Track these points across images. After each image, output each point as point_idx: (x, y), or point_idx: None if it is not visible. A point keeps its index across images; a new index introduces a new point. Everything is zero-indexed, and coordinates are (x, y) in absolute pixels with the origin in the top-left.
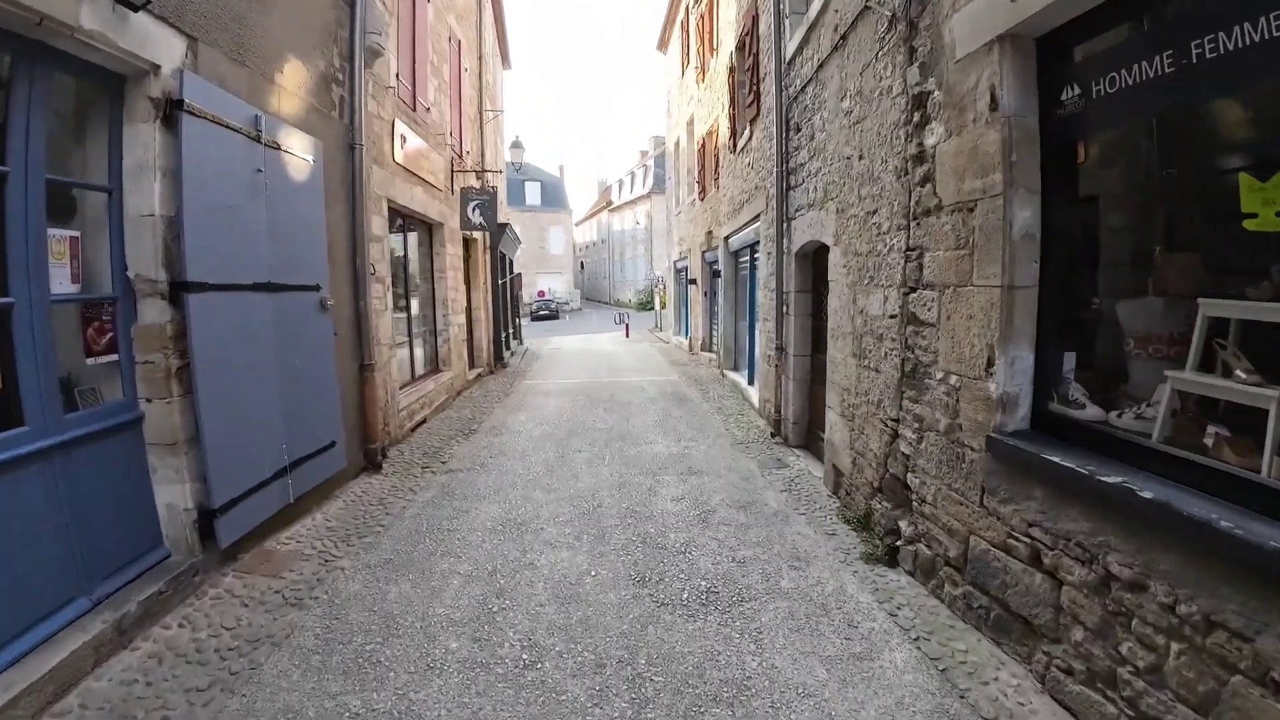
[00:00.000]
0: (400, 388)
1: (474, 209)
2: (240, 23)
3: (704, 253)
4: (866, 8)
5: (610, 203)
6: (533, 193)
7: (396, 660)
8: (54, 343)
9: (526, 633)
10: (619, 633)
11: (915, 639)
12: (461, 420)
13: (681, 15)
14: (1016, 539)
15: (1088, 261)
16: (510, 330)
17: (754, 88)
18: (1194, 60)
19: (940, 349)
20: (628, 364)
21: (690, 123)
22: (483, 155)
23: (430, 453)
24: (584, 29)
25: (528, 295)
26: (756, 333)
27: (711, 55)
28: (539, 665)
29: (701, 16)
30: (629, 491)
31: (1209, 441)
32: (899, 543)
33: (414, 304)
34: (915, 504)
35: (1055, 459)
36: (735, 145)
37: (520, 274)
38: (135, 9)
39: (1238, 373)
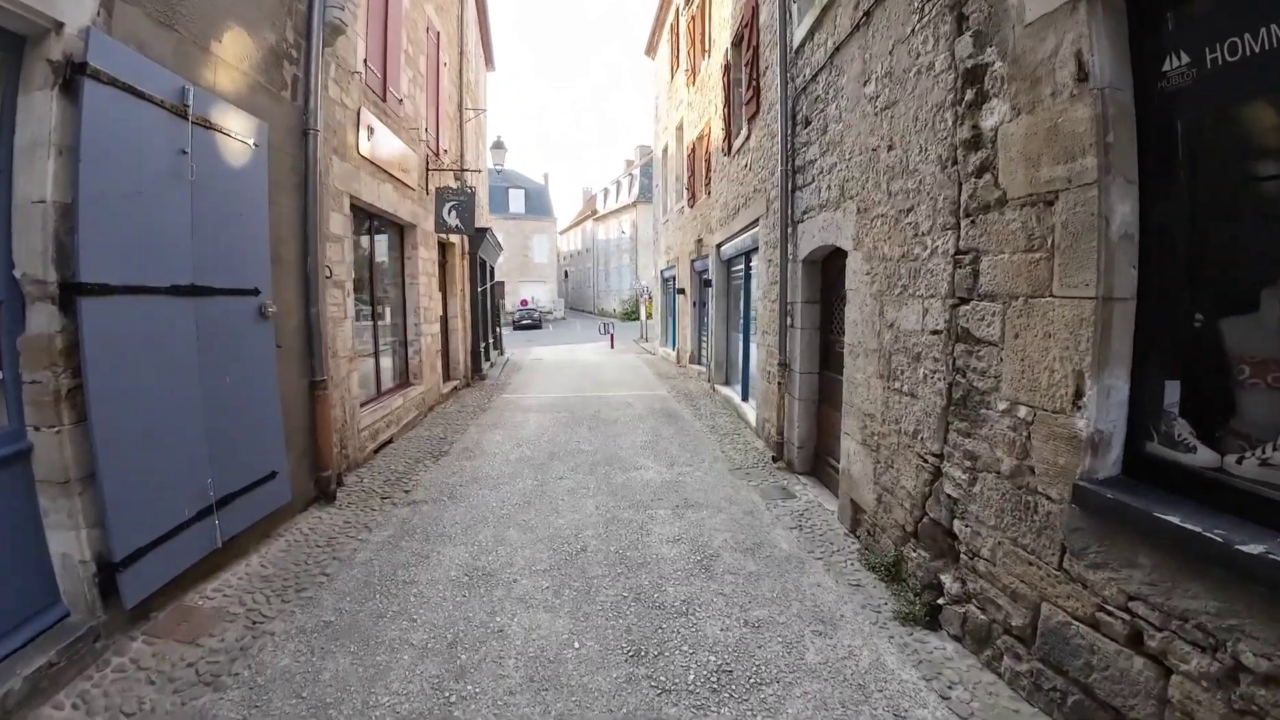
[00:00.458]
0: (362, 405)
1: (450, 210)
2: None
3: (693, 261)
4: None
5: (595, 211)
6: (517, 200)
7: None
8: None
9: None
10: None
11: None
12: (432, 440)
13: (671, 18)
14: (1110, 613)
15: (1191, 268)
16: (490, 340)
17: (753, 84)
18: None
19: (1005, 373)
20: (613, 376)
21: (679, 128)
22: (462, 156)
23: (393, 479)
24: (570, 35)
25: (511, 304)
26: (752, 346)
27: (703, 57)
28: None
29: (693, 18)
30: (617, 530)
31: None
32: (942, 601)
33: (381, 312)
34: (964, 557)
35: (1174, 519)
36: (730, 147)
37: (503, 282)
38: None
39: None
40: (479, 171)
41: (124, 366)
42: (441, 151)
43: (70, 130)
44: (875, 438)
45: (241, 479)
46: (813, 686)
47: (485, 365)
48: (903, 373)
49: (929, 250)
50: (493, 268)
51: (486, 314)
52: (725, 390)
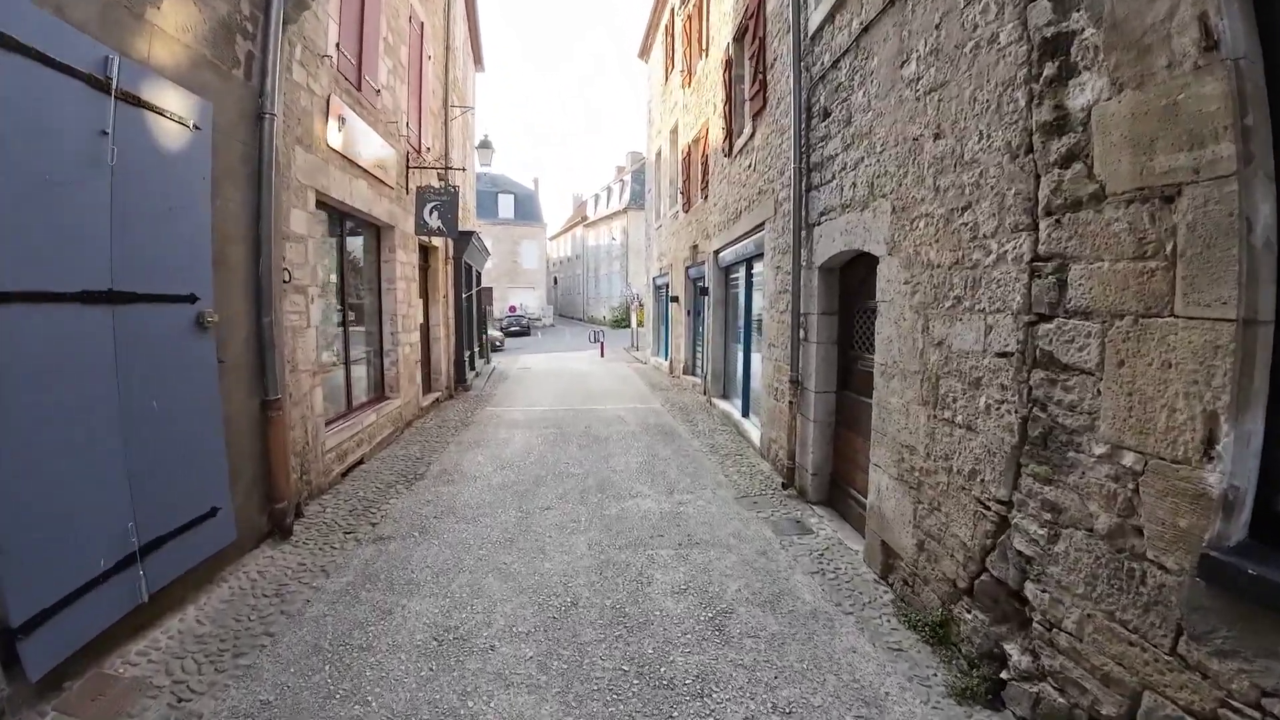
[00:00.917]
0: (329, 424)
1: (431, 211)
2: None
3: (688, 268)
4: None
5: (585, 218)
6: (506, 205)
7: None
8: None
9: None
10: None
11: None
12: (407, 461)
13: (666, 19)
14: (1238, 710)
15: None
16: (476, 348)
17: (759, 78)
18: None
19: (1104, 410)
20: (604, 387)
21: (674, 131)
22: (447, 155)
23: (360, 509)
24: (562, 38)
25: (499, 310)
26: (754, 359)
27: (700, 57)
28: None
29: (689, 17)
30: (614, 577)
31: None
32: (1006, 675)
33: (354, 320)
34: (1039, 627)
35: None
36: (731, 148)
37: (490, 288)
38: None
39: None
40: (463, 170)
41: (19, 391)
42: (424, 149)
43: None
44: (916, 474)
45: (173, 519)
46: None
47: (470, 375)
48: (955, 400)
49: (994, 255)
50: (479, 273)
51: (472, 321)
52: (723, 404)
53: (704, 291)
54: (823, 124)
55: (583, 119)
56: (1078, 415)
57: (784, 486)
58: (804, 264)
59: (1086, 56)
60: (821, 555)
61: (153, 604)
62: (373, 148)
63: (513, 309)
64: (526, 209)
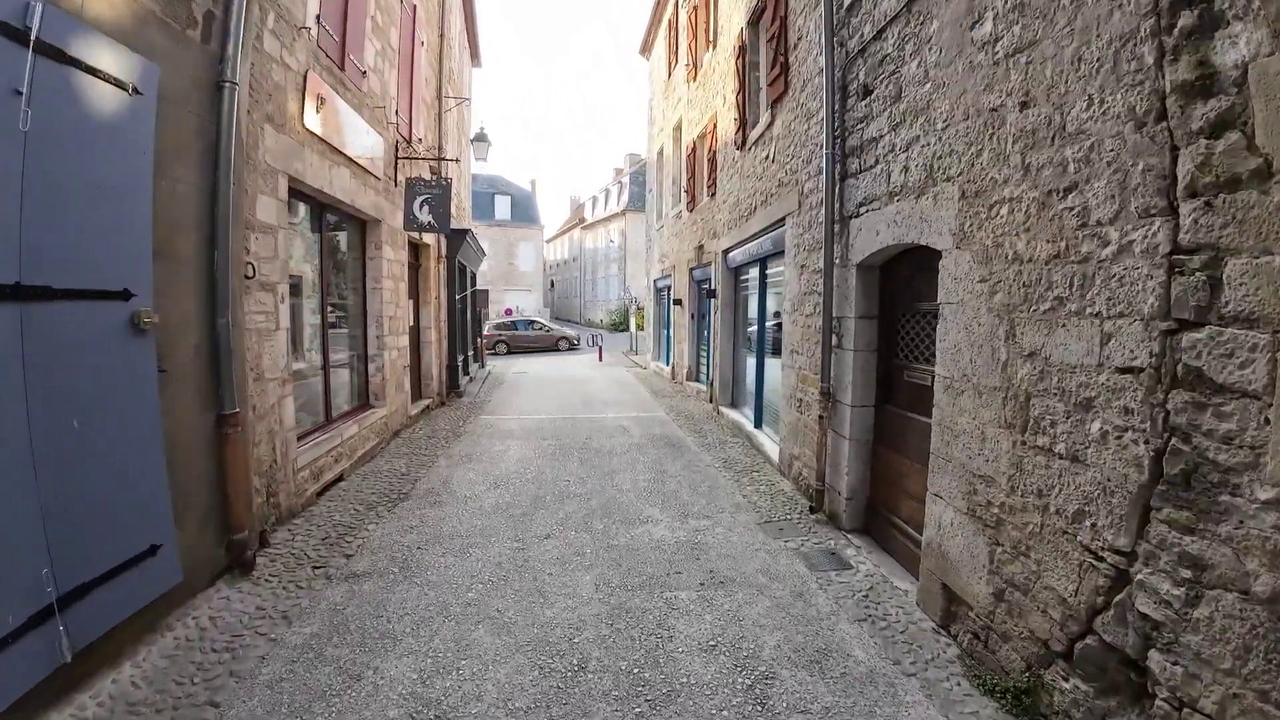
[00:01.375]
0: (302, 438)
1: (422, 205)
2: None
3: (692, 269)
4: None
5: (583, 220)
6: (503, 206)
7: None
8: None
9: None
10: None
11: None
12: (391, 477)
13: (669, 13)
14: None
15: None
16: (470, 352)
17: (779, 60)
18: None
19: (1274, 443)
20: (604, 394)
21: (678, 127)
22: (440, 148)
23: (334, 536)
24: (559, 33)
25: (495, 313)
26: (769, 366)
27: (707, 49)
28: None
29: (695, 8)
30: (628, 629)
31: None
32: None
33: (335, 321)
34: (1164, 705)
35: None
36: (744, 139)
37: (486, 290)
38: None
39: None
40: (457, 161)
41: None
42: (415, 140)
43: None
44: (994, 510)
45: (101, 562)
46: None
47: (464, 380)
48: (1054, 425)
49: (1114, 246)
50: (474, 274)
51: (466, 324)
52: (732, 414)
53: (711, 294)
54: (862, 103)
55: (580, 116)
56: (1235, 450)
57: (811, 510)
58: (838, 261)
59: (1237, 4)
60: (866, 597)
61: (79, 662)
62: (357, 134)
63: (509, 312)
64: (523, 210)
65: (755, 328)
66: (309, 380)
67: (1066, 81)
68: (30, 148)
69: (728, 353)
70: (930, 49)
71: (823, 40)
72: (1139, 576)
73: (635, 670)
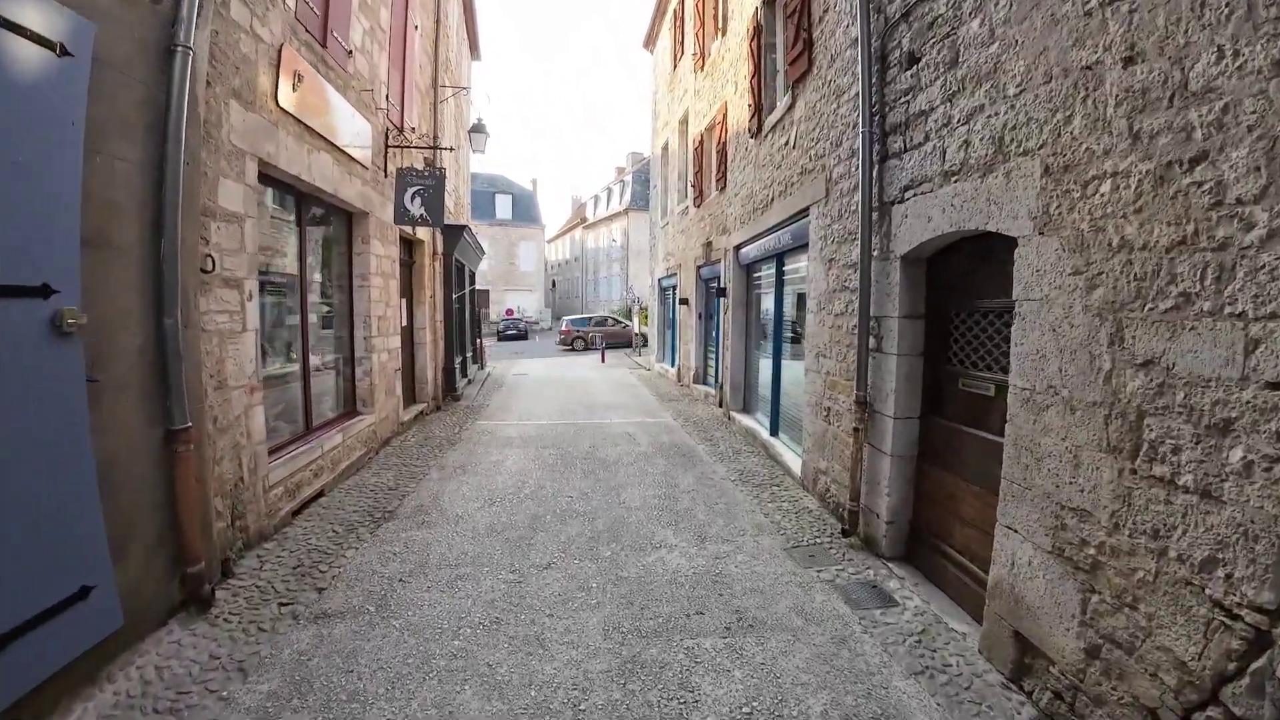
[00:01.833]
0: (275, 451)
1: (414, 196)
2: None
3: (699, 267)
4: None
5: (585, 219)
6: (503, 205)
7: None
8: None
9: None
10: None
11: None
12: (378, 492)
13: (675, 2)
14: None
15: None
16: (469, 354)
17: (801, 36)
18: None
19: None
20: (607, 397)
21: (683, 121)
22: (435, 139)
23: (307, 564)
24: (559, 28)
25: (495, 313)
26: (786, 369)
27: (715, 36)
28: None
29: None
30: (643, 693)
31: None
32: None
33: (317, 322)
34: None
35: None
36: (760, 126)
37: (487, 290)
38: None
39: None
40: (452, 150)
41: None
42: (408, 129)
43: None
44: (1089, 550)
45: (15, 612)
46: None
47: (461, 383)
48: (1179, 451)
49: (1262, 229)
50: (473, 273)
51: (464, 325)
52: (745, 420)
53: (721, 293)
54: (906, 74)
55: (582, 114)
56: None
57: (844, 533)
58: (876, 253)
59: None
60: (919, 642)
61: None
62: (341, 118)
63: (509, 312)
64: (524, 210)
65: (771, 328)
66: (287, 386)
67: (1186, 31)
68: None
69: (739, 354)
70: (996, 4)
71: (856, 7)
72: None
73: None
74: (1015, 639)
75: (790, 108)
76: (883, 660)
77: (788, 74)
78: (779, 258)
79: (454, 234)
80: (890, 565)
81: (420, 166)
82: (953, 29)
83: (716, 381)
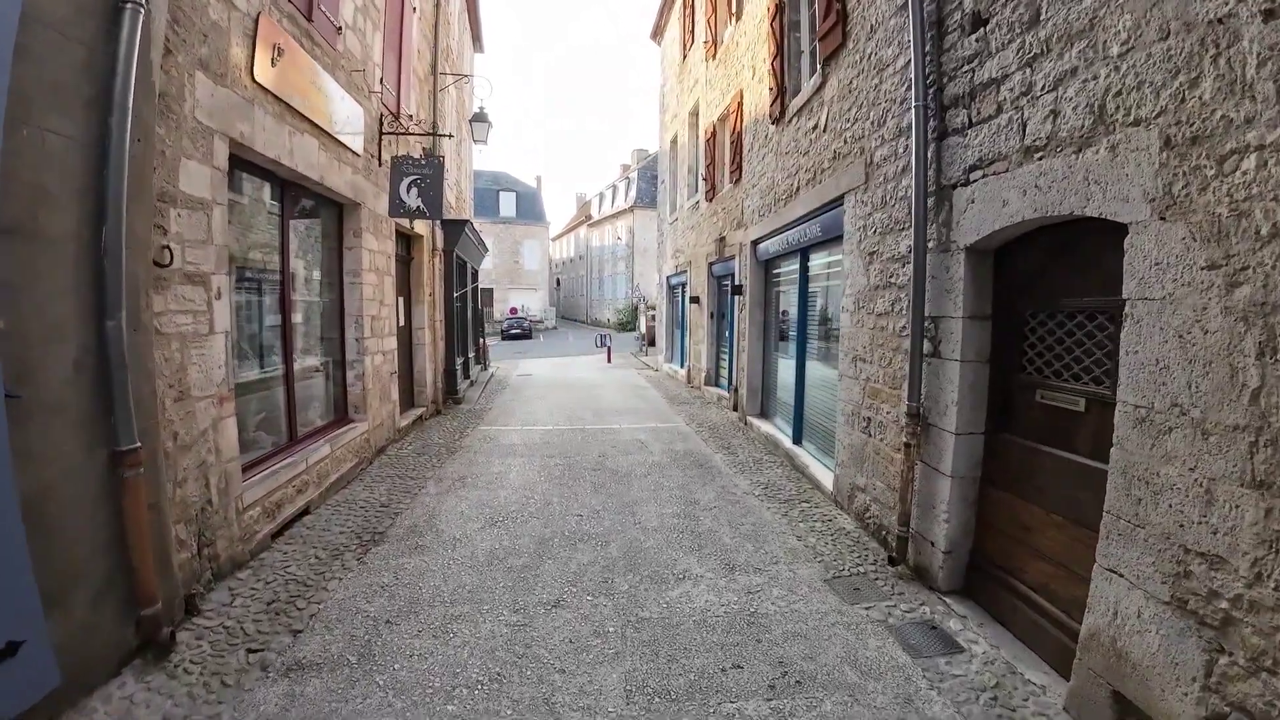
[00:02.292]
0: (250, 468)
1: (410, 187)
2: None
3: (712, 264)
4: None
5: (590, 217)
6: (508, 203)
7: None
8: None
9: None
10: None
11: None
12: (368, 510)
13: None
14: None
15: None
16: (472, 354)
17: (833, 9)
18: None
19: None
20: (615, 400)
21: (694, 112)
22: (435, 128)
23: (284, 598)
24: (563, 30)
25: (499, 312)
26: (812, 373)
27: (729, 22)
28: None
29: None
30: None
31: None
32: None
33: (303, 322)
34: None
35: None
36: (782, 111)
37: (491, 289)
38: None
39: None
40: (450, 136)
41: None
42: (404, 115)
43: None
44: (1221, 604)
45: None
46: None
47: (463, 385)
48: None
49: None
50: (475, 270)
51: (466, 324)
52: (763, 426)
53: (737, 290)
54: (970, 39)
55: (586, 106)
56: None
57: (891, 561)
58: (932, 244)
59: None
60: (995, 699)
61: None
62: (329, 99)
63: (514, 311)
64: (528, 207)
65: (794, 328)
66: (268, 393)
67: None
68: None
69: (756, 356)
70: None
71: None
72: None
73: None
74: (1115, 701)
75: (820, 88)
76: None
77: (819, 49)
78: (803, 252)
79: (455, 229)
80: (948, 600)
81: (417, 155)
82: None
83: (730, 384)
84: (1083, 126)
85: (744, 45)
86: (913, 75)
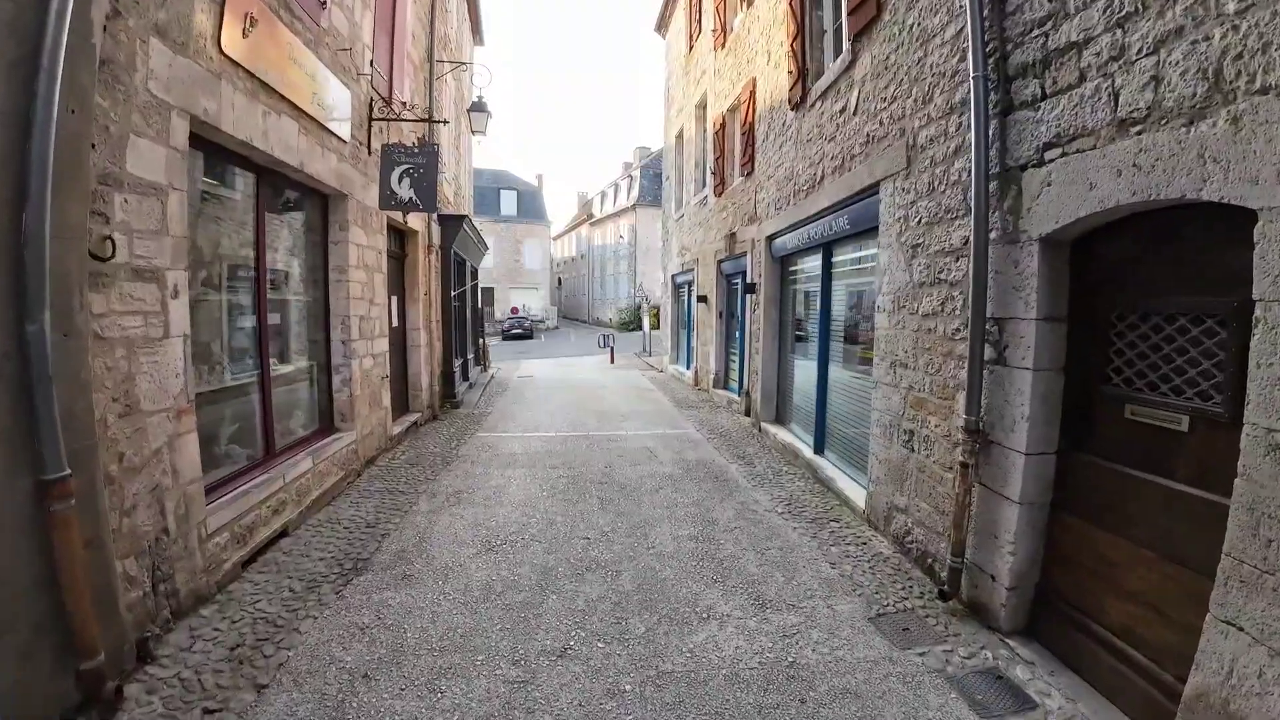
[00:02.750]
0: (216, 488)
1: (401, 177)
2: None
3: (721, 262)
4: None
5: (591, 216)
6: (508, 202)
7: None
8: None
9: None
10: None
11: None
12: (353, 531)
13: None
14: None
15: None
16: (471, 355)
17: None
18: None
19: None
20: (620, 404)
21: (701, 105)
22: (430, 116)
23: (250, 643)
24: (567, 28)
25: (500, 312)
26: (836, 378)
27: (739, 8)
28: None
29: None
30: None
31: None
32: None
33: (279, 323)
34: None
35: None
36: (803, 95)
37: (493, 288)
38: None
39: None
40: (445, 123)
41: None
42: (397, 101)
43: None
44: None
45: None
46: None
47: (462, 387)
48: None
49: None
50: (475, 269)
51: (465, 325)
52: (779, 433)
53: (749, 289)
54: None
55: (588, 103)
56: None
57: (942, 595)
58: (996, 235)
59: None
60: None
61: None
62: (311, 79)
63: (515, 310)
64: (530, 206)
65: (816, 328)
66: (240, 403)
67: None
68: None
69: (770, 358)
70: None
71: None
72: None
73: None
74: None
75: (849, 66)
76: None
77: (845, 27)
78: (826, 247)
79: (453, 225)
80: (1010, 643)
81: (409, 143)
82: None
83: (741, 387)
84: (1194, 95)
85: (757, 30)
86: (969, 43)
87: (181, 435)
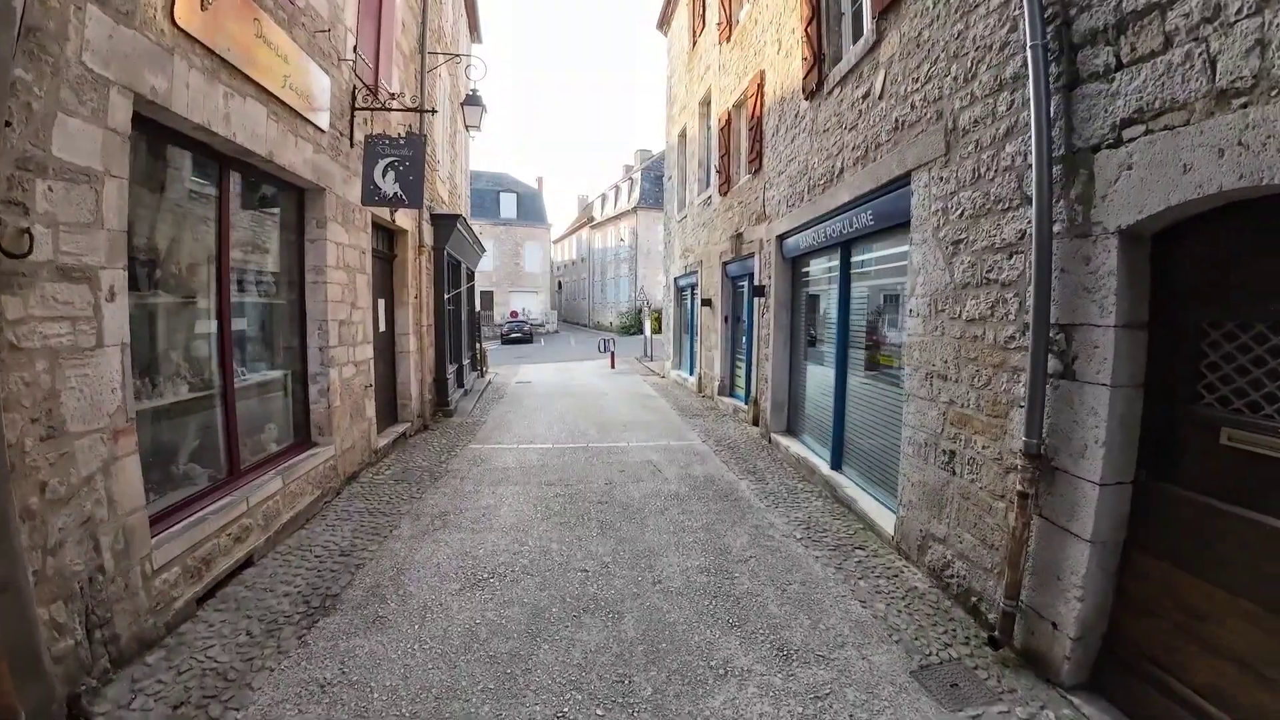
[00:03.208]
0: (166, 516)
1: (385, 171)
2: None
3: (726, 264)
4: None
5: (592, 219)
6: (508, 204)
7: None
8: None
9: None
10: None
11: None
12: (325, 560)
13: None
14: None
15: None
16: (466, 361)
17: None
18: None
19: None
20: (622, 412)
21: (705, 101)
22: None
23: (195, 701)
24: (567, 29)
25: (499, 315)
26: (855, 387)
27: (745, 1)
28: None
29: None
30: None
31: None
32: None
33: (249, 329)
34: None
35: None
36: (820, 82)
37: (492, 291)
38: None
39: None
40: (434, 112)
41: None
42: (384, 91)
43: None
44: None
45: None
46: None
47: (456, 394)
48: None
49: None
50: (471, 271)
51: (459, 329)
52: (792, 445)
53: (757, 291)
54: None
55: (588, 105)
56: None
57: (992, 642)
58: (1062, 227)
59: None
60: None
61: None
62: (283, 60)
63: (514, 314)
64: (529, 209)
65: (833, 333)
66: (198, 417)
67: None
68: None
69: (781, 365)
70: None
71: None
72: None
73: None
74: None
75: (873, 47)
76: None
77: (868, 6)
78: (845, 245)
79: (446, 224)
80: (1074, 700)
81: (393, 134)
82: None
83: (749, 395)
84: None
85: (765, 20)
86: (1024, 9)
87: (120, 459)
